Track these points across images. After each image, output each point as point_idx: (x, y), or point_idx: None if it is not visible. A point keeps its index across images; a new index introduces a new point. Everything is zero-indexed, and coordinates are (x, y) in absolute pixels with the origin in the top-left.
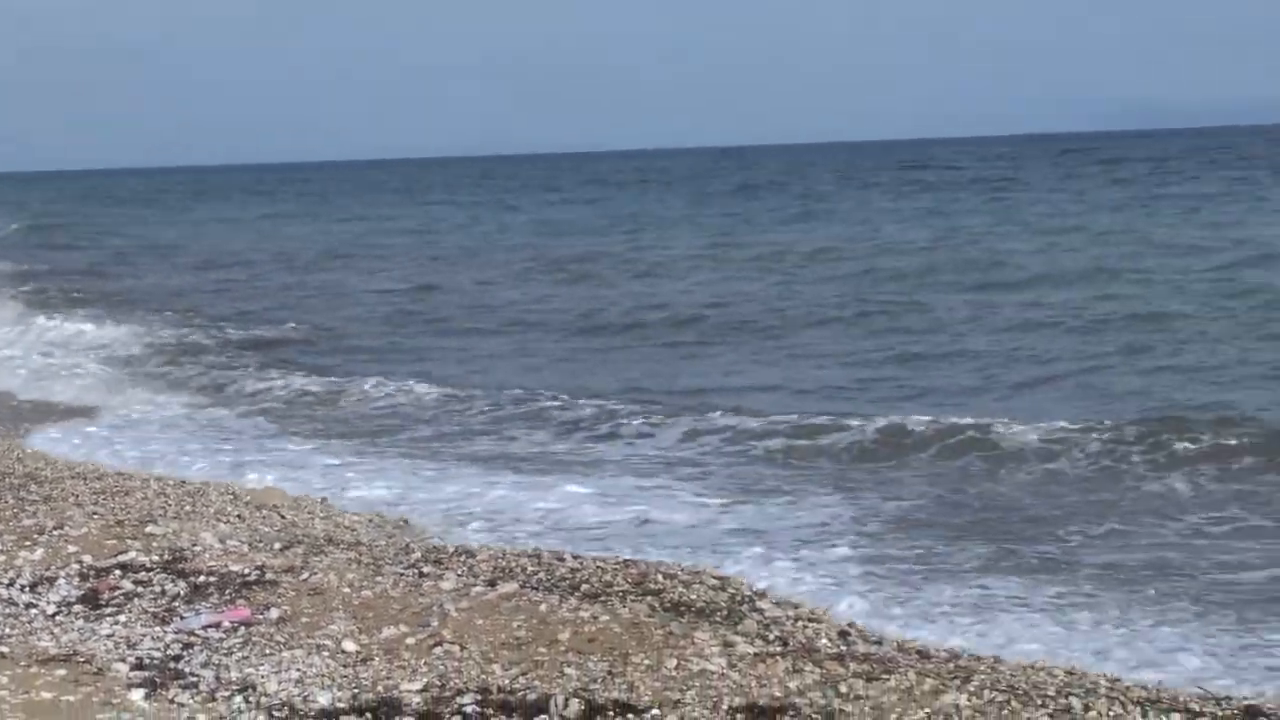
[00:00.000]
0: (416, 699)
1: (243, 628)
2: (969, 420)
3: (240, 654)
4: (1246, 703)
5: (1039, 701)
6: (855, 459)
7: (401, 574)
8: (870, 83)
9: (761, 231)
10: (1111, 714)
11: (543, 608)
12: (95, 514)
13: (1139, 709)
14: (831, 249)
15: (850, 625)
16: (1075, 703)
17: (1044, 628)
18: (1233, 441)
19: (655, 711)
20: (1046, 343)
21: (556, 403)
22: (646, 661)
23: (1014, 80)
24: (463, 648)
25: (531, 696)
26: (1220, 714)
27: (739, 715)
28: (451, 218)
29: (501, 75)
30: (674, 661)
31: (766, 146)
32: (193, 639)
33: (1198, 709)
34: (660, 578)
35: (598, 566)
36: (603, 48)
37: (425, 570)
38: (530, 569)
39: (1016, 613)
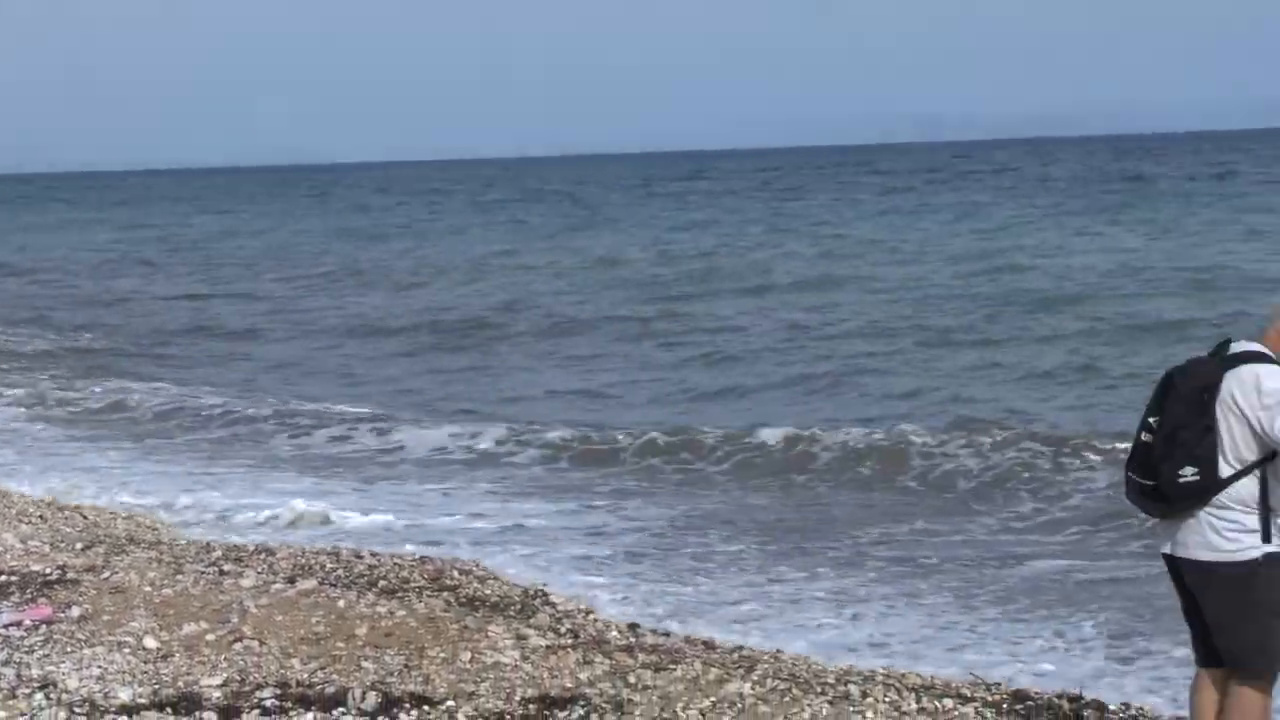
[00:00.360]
0: (216, 693)
1: (44, 626)
2: (755, 421)
3: (41, 652)
4: (1015, 688)
5: (819, 689)
6: (639, 460)
7: (202, 572)
8: (658, 96)
9: (547, 238)
10: (887, 700)
11: (341, 603)
12: None
13: (914, 695)
14: (615, 257)
15: (633, 625)
16: (854, 690)
17: (825, 621)
18: (1020, 439)
19: (451, 703)
20: (827, 346)
21: (341, 407)
22: (442, 655)
23: (793, 92)
24: (262, 643)
25: (330, 690)
26: (990, 699)
27: (531, 705)
28: (251, 225)
29: (299, 87)
30: (469, 654)
31: (550, 158)
32: None
33: (969, 694)
34: (456, 574)
35: (395, 563)
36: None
37: (226, 568)
38: (329, 566)
39: (796, 608)
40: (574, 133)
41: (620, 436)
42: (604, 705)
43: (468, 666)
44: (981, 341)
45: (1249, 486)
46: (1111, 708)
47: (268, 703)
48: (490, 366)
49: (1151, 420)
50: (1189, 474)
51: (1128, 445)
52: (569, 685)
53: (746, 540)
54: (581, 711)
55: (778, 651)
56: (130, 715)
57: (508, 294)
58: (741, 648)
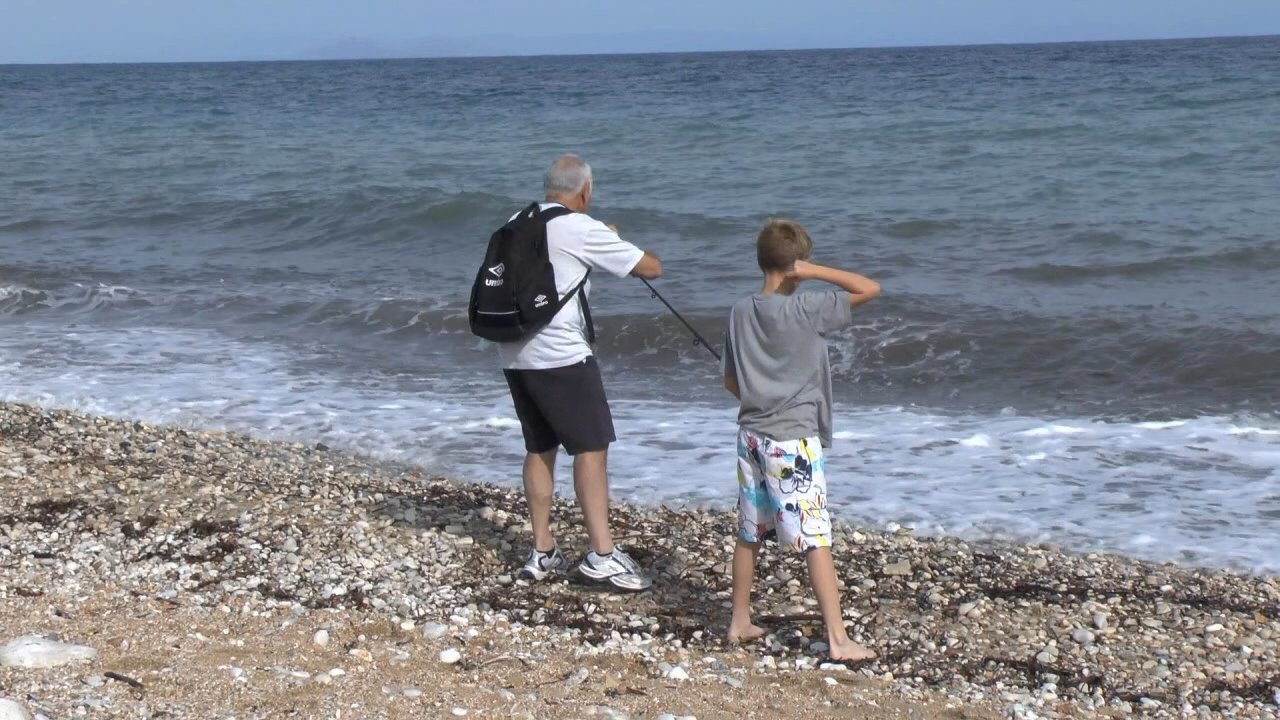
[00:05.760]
0: None
1: None
2: None
3: None
4: (433, 484)
5: (278, 490)
6: None
7: None
8: None
9: None
10: (332, 496)
11: None
12: None
13: (353, 492)
14: None
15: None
16: (305, 490)
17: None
18: None
19: None
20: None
21: None
22: None
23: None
24: None
25: None
26: (414, 493)
27: (37, 509)
28: None
29: None
30: None
31: None
32: None
33: (398, 490)
34: None
35: None
36: None
37: None
38: None
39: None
40: None
41: None
42: (99, 507)
43: None
44: None
45: (574, 307)
46: (507, 496)
47: None
48: None
49: (493, 270)
50: (542, 300)
51: None
52: (69, 493)
53: None
54: (80, 513)
55: (246, 461)
56: None
57: None
58: (216, 459)
